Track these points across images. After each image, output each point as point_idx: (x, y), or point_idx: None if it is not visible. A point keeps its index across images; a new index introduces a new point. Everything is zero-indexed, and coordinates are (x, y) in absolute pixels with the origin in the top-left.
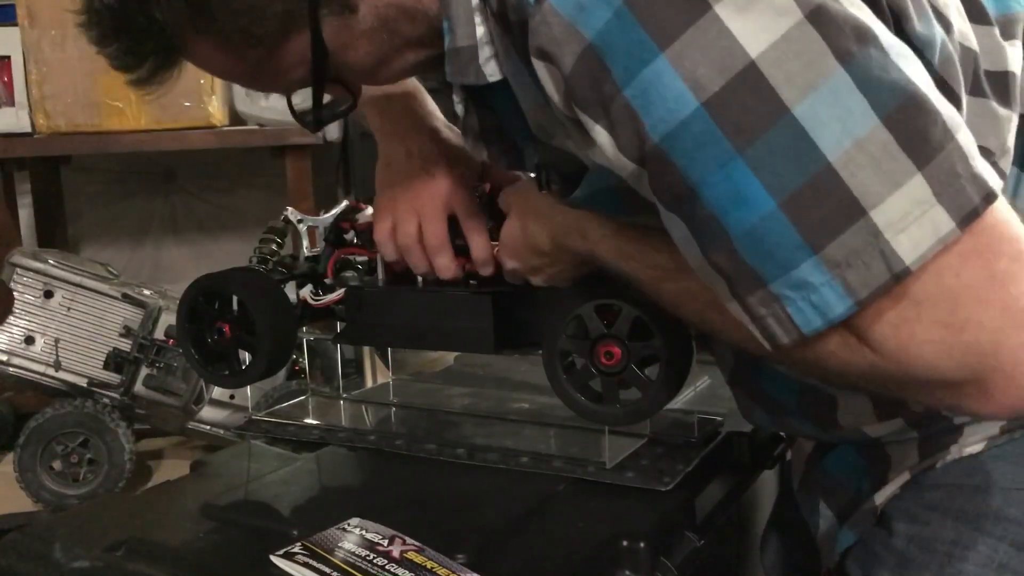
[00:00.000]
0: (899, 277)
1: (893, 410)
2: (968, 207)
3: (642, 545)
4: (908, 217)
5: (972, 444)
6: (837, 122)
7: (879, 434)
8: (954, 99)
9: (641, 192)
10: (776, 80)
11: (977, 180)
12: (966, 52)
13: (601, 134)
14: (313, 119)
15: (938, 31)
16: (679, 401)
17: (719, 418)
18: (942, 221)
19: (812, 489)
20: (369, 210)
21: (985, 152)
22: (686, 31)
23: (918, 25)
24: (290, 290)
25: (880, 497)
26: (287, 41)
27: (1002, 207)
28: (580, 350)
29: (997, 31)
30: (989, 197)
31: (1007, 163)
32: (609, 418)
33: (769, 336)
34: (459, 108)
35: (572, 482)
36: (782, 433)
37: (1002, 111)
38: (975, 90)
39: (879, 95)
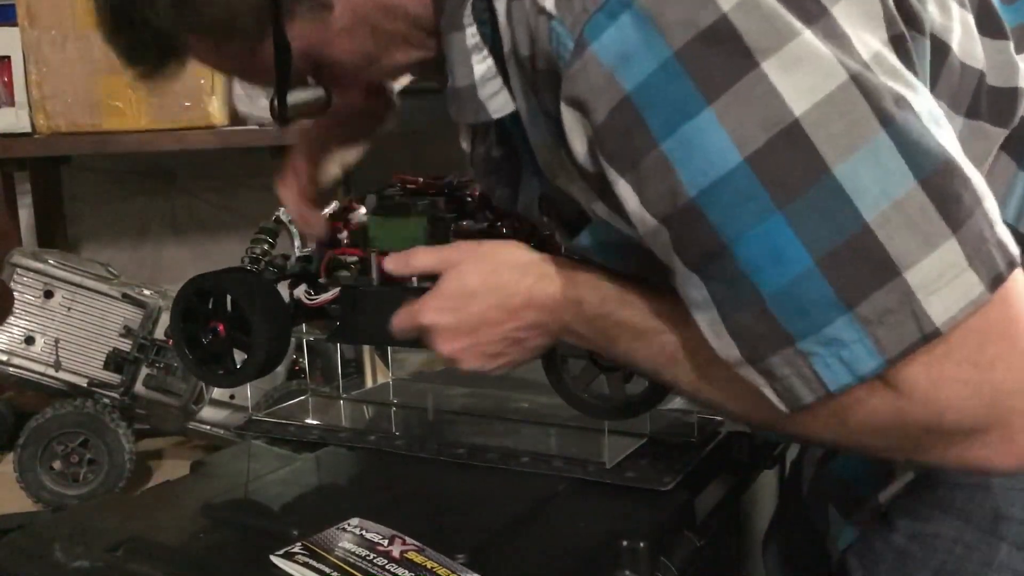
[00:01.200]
0: (928, 338)
1: None
2: (995, 271)
3: (642, 545)
4: (941, 279)
5: None
6: (876, 183)
7: None
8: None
9: (656, 251)
10: (819, 139)
11: (1002, 246)
12: (967, 72)
13: (625, 188)
14: (279, 115)
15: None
16: (679, 401)
17: (719, 418)
18: (973, 284)
19: (822, 493)
20: (361, 209)
21: None
22: (733, 86)
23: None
24: (283, 290)
25: (884, 495)
26: (265, 36)
27: (1019, 274)
28: (579, 351)
29: (1012, 45)
30: (1012, 264)
31: (986, 167)
32: (618, 413)
33: (789, 397)
34: (464, 145)
35: (572, 482)
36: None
37: (994, 130)
38: (972, 112)
39: (917, 158)
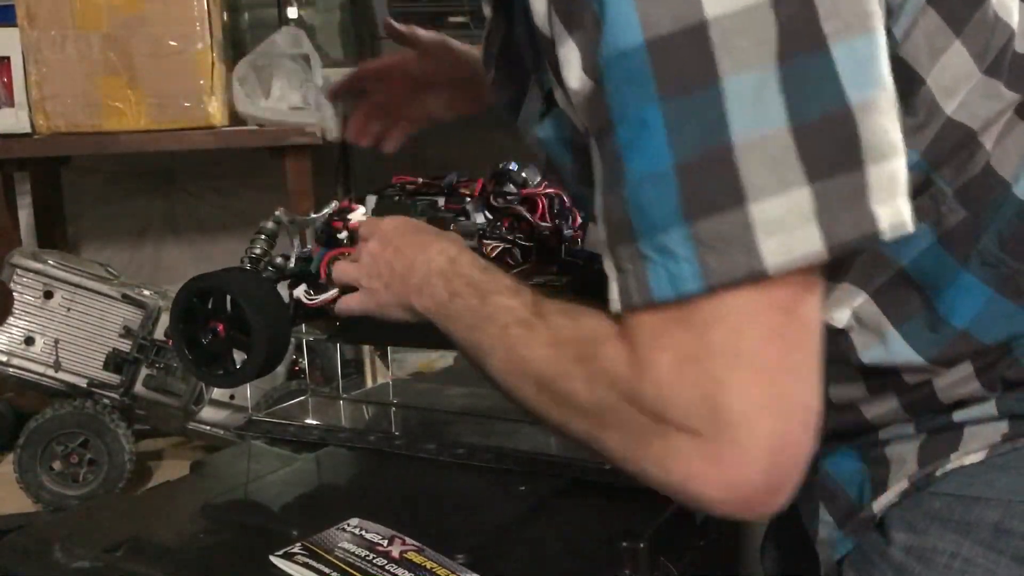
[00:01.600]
0: (755, 277)
1: (883, 384)
2: (841, 239)
3: (642, 545)
4: (783, 224)
5: (973, 452)
6: (754, 110)
7: (874, 416)
8: (911, 79)
9: (582, 127)
10: (720, 47)
11: (869, 218)
12: (1000, 28)
13: (572, 50)
14: None
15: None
16: None
17: None
18: (813, 239)
19: (812, 494)
20: (361, 209)
21: (966, 131)
22: None
23: None
24: (283, 290)
25: (878, 505)
26: None
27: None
28: None
29: None
30: (872, 237)
31: (995, 130)
32: None
33: (624, 294)
34: (486, 8)
35: (572, 482)
36: None
37: (1008, 94)
38: (992, 70)
39: (801, 103)
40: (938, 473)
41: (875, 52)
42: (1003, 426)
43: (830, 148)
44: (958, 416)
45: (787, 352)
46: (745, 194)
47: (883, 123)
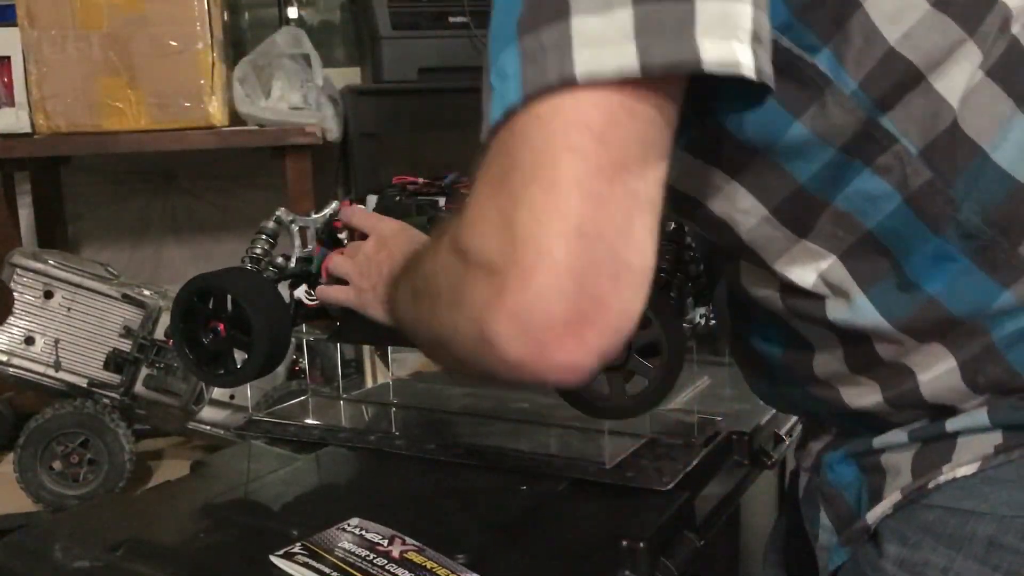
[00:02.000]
0: (565, 83)
1: (863, 361)
2: (658, 59)
3: (642, 545)
4: (601, 40)
5: (965, 464)
6: None
7: (858, 407)
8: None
9: None
10: None
11: (689, 47)
12: None
13: None
14: None
15: None
16: (679, 401)
17: (719, 418)
18: (629, 57)
19: (814, 499)
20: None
21: (910, 66)
22: None
23: None
24: (283, 290)
25: (872, 516)
26: None
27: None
28: None
29: None
30: (692, 67)
31: (950, 76)
32: (618, 413)
33: (487, 122)
34: None
35: (572, 482)
36: (780, 411)
37: (955, 31)
38: (940, 2)
39: None
40: (931, 485)
41: None
42: (996, 437)
43: None
44: (951, 425)
45: (591, 178)
46: (570, 9)
47: None
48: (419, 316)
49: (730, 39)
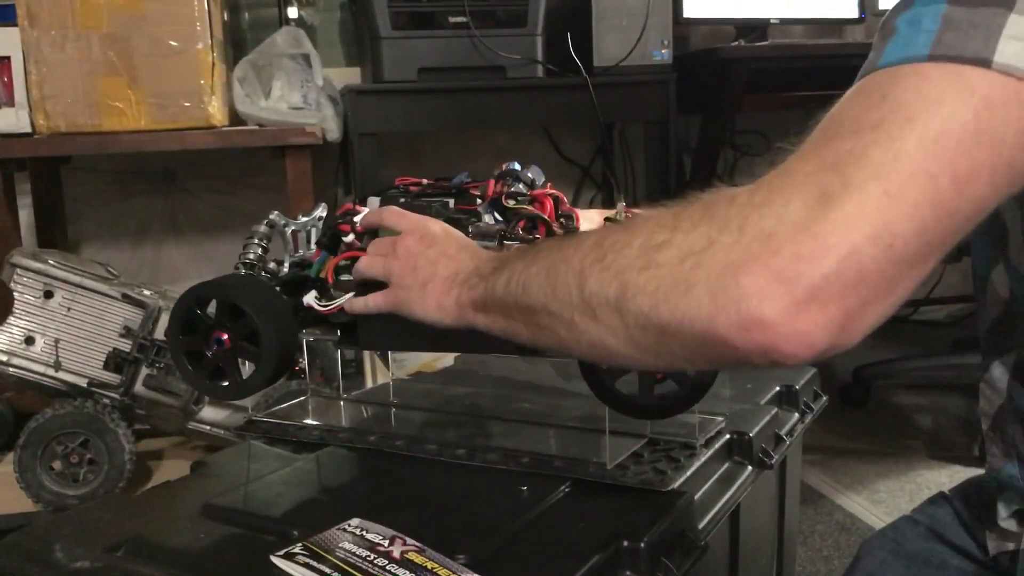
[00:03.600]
0: (977, 63)
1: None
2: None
3: (642, 545)
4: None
5: None
6: None
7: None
8: None
9: None
10: None
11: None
12: None
13: None
14: None
15: None
16: None
17: (719, 418)
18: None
19: (986, 490)
20: (365, 211)
21: None
22: None
23: None
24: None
25: None
26: None
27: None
28: None
29: None
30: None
31: None
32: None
33: (872, 60)
34: None
35: (572, 482)
36: None
37: None
38: None
39: None
40: None
41: None
42: None
43: None
44: None
45: (957, 157)
46: (1014, 4)
47: None
48: (584, 287)
49: None
